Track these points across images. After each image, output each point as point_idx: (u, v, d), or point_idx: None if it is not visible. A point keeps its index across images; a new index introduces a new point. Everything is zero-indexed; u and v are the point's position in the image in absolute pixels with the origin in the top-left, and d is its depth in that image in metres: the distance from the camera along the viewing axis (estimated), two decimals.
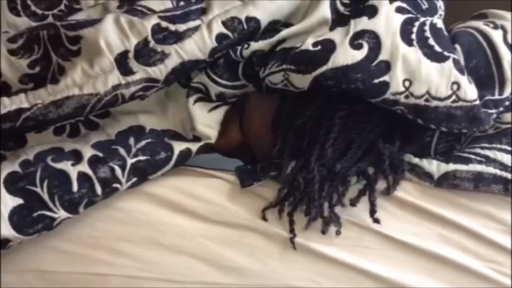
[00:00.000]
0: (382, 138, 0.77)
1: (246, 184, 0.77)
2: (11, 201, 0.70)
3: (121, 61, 0.73)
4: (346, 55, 0.73)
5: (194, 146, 0.79)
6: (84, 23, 0.76)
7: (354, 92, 0.74)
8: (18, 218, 0.70)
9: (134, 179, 0.75)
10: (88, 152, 0.75)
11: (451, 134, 0.80)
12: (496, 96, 0.77)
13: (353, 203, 0.75)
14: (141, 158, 0.76)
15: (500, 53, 0.77)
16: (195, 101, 0.80)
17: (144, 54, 0.74)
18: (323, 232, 0.74)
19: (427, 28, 0.75)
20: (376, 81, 0.73)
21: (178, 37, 0.74)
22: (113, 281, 0.74)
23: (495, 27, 0.81)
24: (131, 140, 0.77)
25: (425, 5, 0.78)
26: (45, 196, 0.71)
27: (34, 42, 0.76)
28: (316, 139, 0.77)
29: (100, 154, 0.75)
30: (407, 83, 0.73)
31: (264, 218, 0.75)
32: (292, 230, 0.74)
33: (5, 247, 0.70)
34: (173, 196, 0.76)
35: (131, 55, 0.73)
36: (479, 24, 0.82)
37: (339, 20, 0.77)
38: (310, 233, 0.74)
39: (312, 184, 0.74)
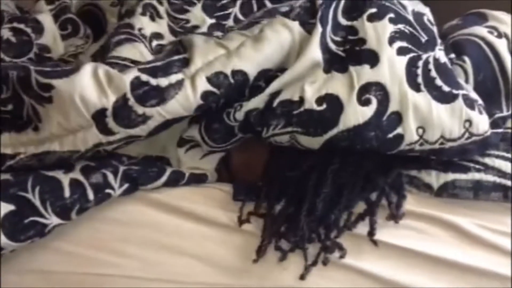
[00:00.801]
0: (378, 169, 0.76)
1: (237, 198, 0.77)
2: (3, 208, 0.70)
3: (99, 119, 0.71)
4: (356, 114, 0.72)
5: (187, 172, 0.79)
6: (58, 73, 0.72)
7: (368, 150, 0.73)
8: (10, 225, 0.70)
9: (126, 185, 0.75)
10: (80, 162, 0.75)
11: None
12: (504, 113, 0.77)
13: (350, 227, 0.75)
14: (134, 167, 0.76)
15: (506, 66, 0.77)
16: (187, 150, 0.79)
17: (124, 115, 0.70)
18: (324, 263, 0.73)
19: (431, 66, 0.74)
20: (390, 135, 0.72)
21: (161, 97, 0.71)
22: (115, 281, 0.75)
23: (499, 35, 0.80)
24: (124, 158, 0.77)
25: (424, 38, 0.77)
26: (37, 202, 0.71)
27: (2, 81, 0.74)
28: (304, 190, 0.75)
29: (92, 164, 0.75)
30: (420, 131, 0.73)
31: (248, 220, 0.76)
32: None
33: None
34: (173, 200, 0.77)
35: (109, 113, 0.70)
36: (484, 32, 0.81)
37: (333, 60, 0.75)
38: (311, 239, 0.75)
39: (303, 241, 0.73)
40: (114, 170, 0.74)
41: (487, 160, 0.77)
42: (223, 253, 0.75)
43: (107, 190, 0.74)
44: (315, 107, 0.73)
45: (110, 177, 0.74)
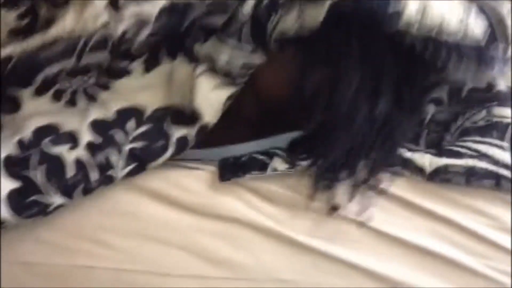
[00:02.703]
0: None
1: (225, 178, 0.76)
2: (8, 185, 0.70)
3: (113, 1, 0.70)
4: None
5: (191, 131, 0.76)
6: None
7: (370, 21, 0.71)
8: (13, 202, 0.70)
9: (131, 166, 0.74)
10: (85, 136, 0.73)
11: (441, 124, 0.81)
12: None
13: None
14: (138, 145, 0.74)
15: None
16: (201, 73, 0.76)
17: None
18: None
19: None
20: (391, 10, 0.71)
21: None
22: (99, 273, 0.73)
23: None
24: (129, 125, 0.75)
25: None
26: (40, 182, 0.71)
27: None
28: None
29: (97, 141, 0.74)
30: (419, 15, 0.71)
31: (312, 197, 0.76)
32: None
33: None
34: (161, 187, 0.75)
35: None
36: None
37: None
38: (299, 227, 0.74)
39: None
40: (118, 150, 0.74)
41: (481, 147, 0.77)
42: (212, 244, 0.74)
43: (110, 172, 0.73)
44: None
45: (114, 158, 0.73)
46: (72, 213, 0.74)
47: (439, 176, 0.75)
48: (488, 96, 0.83)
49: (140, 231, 0.74)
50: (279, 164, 0.77)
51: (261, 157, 0.77)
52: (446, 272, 0.74)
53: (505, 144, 0.77)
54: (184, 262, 0.73)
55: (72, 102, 0.77)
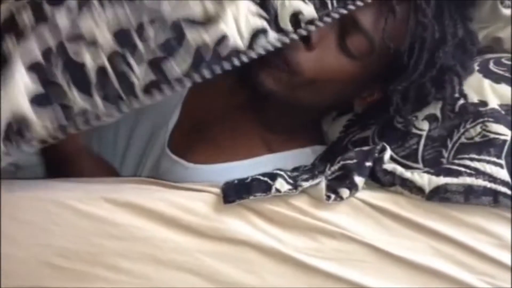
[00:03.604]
0: None
1: (228, 200, 0.77)
2: (33, 88, 0.72)
3: None
4: None
5: (210, 37, 0.73)
6: None
7: None
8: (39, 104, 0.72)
9: (152, 77, 0.73)
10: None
11: (437, 139, 0.83)
12: None
13: None
14: (158, 55, 0.74)
15: None
16: None
17: None
18: None
19: None
20: None
21: None
22: None
23: None
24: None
25: None
26: (66, 87, 0.73)
27: None
28: None
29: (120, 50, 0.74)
30: None
31: None
32: None
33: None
34: (168, 210, 0.76)
35: None
36: None
37: None
38: (303, 248, 0.75)
39: None
40: (140, 60, 0.74)
41: (478, 165, 0.78)
42: (219, 266, 0.75)
43: (132, 79, 0.73)
44: None
45: (135, 66, 0.73)
46: (83, 238, 0.75)
47: (438, 195, 0.76)
48: (481, 110, 0.85)
49: (150, 255, 0.75)
50: (282, 185, 0.78)
51: (264, 178, 0.79)
52: None
53: (502, 161, 0.78)
54: (193, 285, 0.74)
55: None
